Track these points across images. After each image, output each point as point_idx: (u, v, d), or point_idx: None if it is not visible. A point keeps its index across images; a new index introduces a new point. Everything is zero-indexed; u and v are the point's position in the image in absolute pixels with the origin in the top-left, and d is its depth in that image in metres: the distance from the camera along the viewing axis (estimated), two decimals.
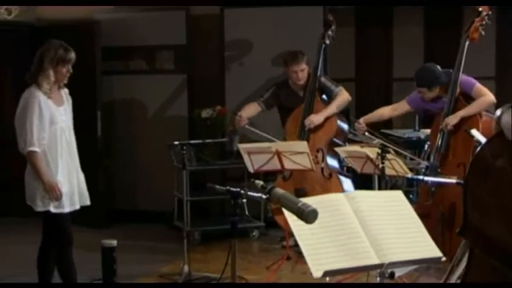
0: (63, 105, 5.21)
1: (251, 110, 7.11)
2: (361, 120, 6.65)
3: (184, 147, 6.27)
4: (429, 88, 6.43)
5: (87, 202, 5.31)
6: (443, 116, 6.34)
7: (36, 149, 4.95)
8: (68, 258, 5.20)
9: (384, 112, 6.89)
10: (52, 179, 4.99)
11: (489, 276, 1.95)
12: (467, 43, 6.32)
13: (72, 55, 5.19)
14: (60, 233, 5.15)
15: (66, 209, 5.11)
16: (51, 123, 5.03)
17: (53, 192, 4.97)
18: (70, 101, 5.33)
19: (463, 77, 6.37)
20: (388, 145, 5.96)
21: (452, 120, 6.24)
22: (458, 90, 6.35)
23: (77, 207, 5.22)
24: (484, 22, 6.25)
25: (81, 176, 5.31)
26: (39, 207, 5.04)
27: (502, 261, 1.85)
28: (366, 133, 6.56)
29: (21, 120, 5.01)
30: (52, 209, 5.03)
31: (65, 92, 5.29)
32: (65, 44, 5.23)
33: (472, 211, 1.99)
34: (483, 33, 6.29)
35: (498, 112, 2.02)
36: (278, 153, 6.07)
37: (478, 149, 1.99)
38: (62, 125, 5.13)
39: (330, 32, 6.91)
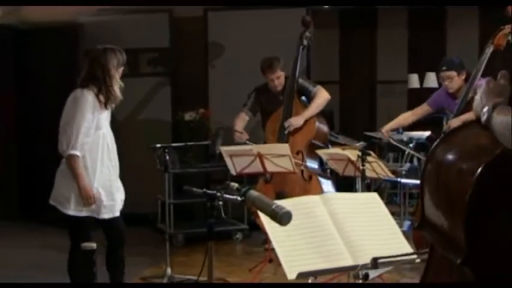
0: (107, 110, 5.14)
1: (242, 122, 7.09)
2: (383, 130, 6.68)
3: (167, 150, 6.27)
4: (458, 73, 6.41)
5: (117, 213, 5.20)
6: (452, 117, 6.35)
7: (77, 153, 4.90)
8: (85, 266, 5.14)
9: (405, 118, 6.89)
10: (89, 184, 4.93)
11: (447, 273, 2.00)
12: (491, 49, 6.09)
13: (124, 56, 5.19)
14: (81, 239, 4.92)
15: (104, 215, 5.04)
16: (96, 128, 4.98)
17: (87, 199, 4.91)
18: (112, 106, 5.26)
19: (479, 82, 6.17)
20: (415, 153, 5.96)
21: (455, 123, 6.22)
22: (472, 94, 6.26)
23: (116, 214, 5.13)
24: None
25: (119, 184, 5.25)
26: (70, 211, 4.97)
27: (455, 256, 1.90)
28: (390, 140, 6.55)
29: (69, 121, 4.94)
30: (83, 214, 4.97)
31: None
32: (116, 47, 5.19)
33: (427, 205, 2.05)
34: None
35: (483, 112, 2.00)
36: (260, 156, 6.07)
37: (434, 144, 2.05)
38: (105, 130, 5.08)
39: (307, 33, 6.88)
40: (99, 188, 5.00)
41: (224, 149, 6.29)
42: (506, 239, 1.87)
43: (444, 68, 6.44)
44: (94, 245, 4.17)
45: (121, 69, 5.14)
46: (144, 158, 8.08)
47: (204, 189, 3.10)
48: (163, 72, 8.69)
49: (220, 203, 3.05)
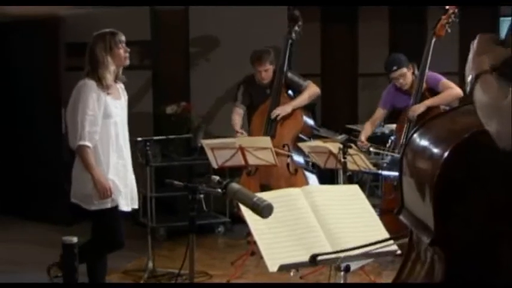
0: (120, 99, 5.02)
1: (239, 118, 7.06)
2: (363, 138, 6.73)
3: (148, 144, 6.27)
4: (408, 68, 6.58)
5: (136, 205, 5.11)
6: (411, 105, 6.43)
7: (87, 143, 4.75)
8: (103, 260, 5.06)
9: (370, 126, 7.00)
10: (103, 176, 4.78)
11: (423, 259, 2.06)
12: (433, 40, 6.43)
13: (121, 36, 5.03)
14: (112, 232, 4.93)
15: (123, 207, 4.92)
16: (105, 117, 4.83)
17: (102, 191, 4.75)
18: (126, 96, 5.16)
19: (429, 73, 6.52)
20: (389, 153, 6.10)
21: (419, 108, 6.35)
22: (424, 86, 6.46)
23: (129, 208, 5.02)
24: (450, 20, 6.35)
25: (132, 176, 5.11)
26: (94, 206, 4.83)
27: (426, 237, 1.95)
28: (371, 149, 6.62)
29: (73, 113, 4.81)
30: (108, 205, 4.83)
31: (121, 86, 5.10)
32: (109, 30, 5.06)
33: (405, 190, 2.13)
34: (449, 30, 6.40)
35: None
36: (241, 149, 6.07)
37: (412, 131, 2.09)
38: (117, 119, 4.92)
39: (296, 28, 6.91)
40: (114, 179, 4.86)
41: (206, 142, 6.29)
42: (476, 220, 1.92)
43: (395, 67, 6.61)
44: (75, 239, 4.16)
45: (119, 50, 4.96)
46: None
47: (186, 183, 3.11)
48: (145, 65, 8.66)
49: (202, 196, 3.06)
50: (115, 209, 4.89)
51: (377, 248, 2.78)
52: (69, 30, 8.40)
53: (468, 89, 1.94)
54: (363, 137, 6.78)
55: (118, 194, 4.88)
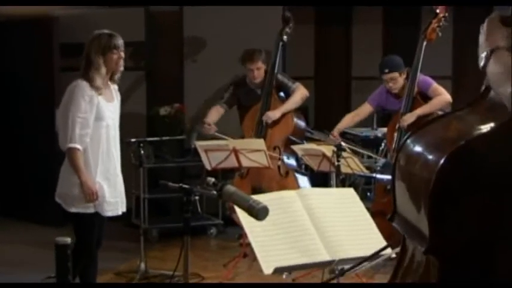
0: (113, 101, 4.93)
1: (215, 114, 7.07)
2: (335, 133, 6.70)
3: (141, 145, 6.26)
4: (400, 72, 6.55)
5: (124, 208, 5.03)
6: (401, 114, 6.46)
7: (77, 145, 4.67)
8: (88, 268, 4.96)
9: (351, 119, 6.97)
10: (91, 179, 4.72)
11: (416, 265, 2.06)
12: (424, 43, 6.45)
13: (119, 41, 4.92)
14: (82, 237, 4.83)
15: (107, 213, 4.86)
16: (97, 119, 4.75)
17: (89, 194, 4.69)
18: (119, 97, 5.07)
19: (420, 77, 6.53)
20: (362, 151, 6.10)
21: (410, 118, 6.37)
22: (416, 89, 6.48)
23: (119, 212, 4.96)
24: (441, 24, 6.37)
25: (121, 179, 5.03)
26: (73, 208, 4.77)
27: (420, 245, 1.95)
28: (342, 143, 6.60)
29: (64, 114, 4.73)
30: (89, 210, 4.76)
31: (114, 88, 5.00)
32: (108, 31, 4.96)
33: (398, 196, 2.13)
34: (440, 34, 6.41)
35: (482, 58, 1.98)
36: (235, 151, 6.08)
37: (405, 138, 2.10)
38: (109, 122, 4.84)
39: (287, 29, 6.93)
40: (102, 183, 4.80)
41: (199, 144, 6.29)
42: (471, 227, 1.92)
43: (387, 70, 6.58)
44: (68, 240, 4.15)
45: (113, 55, 4.86)
46: None
47: (181, 184, 3.10)
48: (139, 66, 8.64)
49: (197, 197, 3.06)
50: (92, 215, 4.83)
51: (373, 254, 2.78)
52: (63, 30, 8.38)
53: (482, 63, 1.94)
54: (336, 129, 6.75)
55: (103, 199, 4.81)
